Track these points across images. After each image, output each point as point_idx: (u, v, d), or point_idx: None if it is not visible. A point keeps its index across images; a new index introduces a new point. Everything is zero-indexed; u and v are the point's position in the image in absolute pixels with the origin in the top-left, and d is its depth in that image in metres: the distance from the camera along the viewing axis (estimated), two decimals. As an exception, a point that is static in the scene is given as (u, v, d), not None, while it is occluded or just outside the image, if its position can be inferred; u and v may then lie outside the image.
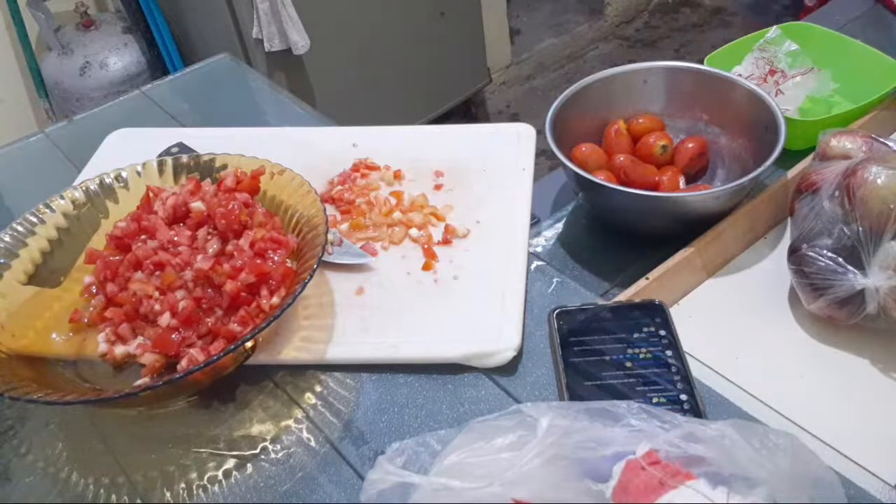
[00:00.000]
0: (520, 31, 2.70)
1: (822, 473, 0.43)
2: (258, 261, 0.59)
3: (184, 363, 0.55)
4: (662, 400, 0.54)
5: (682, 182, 0.79)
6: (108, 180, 0.69)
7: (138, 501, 0.54)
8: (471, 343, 0.60)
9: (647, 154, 0.80)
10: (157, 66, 1.98)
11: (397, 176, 0.77)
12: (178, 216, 0.64)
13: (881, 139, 0.69)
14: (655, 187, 0.78)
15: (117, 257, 0.61)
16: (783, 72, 0.87)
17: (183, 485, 0.54)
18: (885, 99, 0.83)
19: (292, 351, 0.61)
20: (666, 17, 2.81)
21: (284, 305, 0.55)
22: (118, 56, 1.92)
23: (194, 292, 0.58)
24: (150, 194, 0.66)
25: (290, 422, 0.58)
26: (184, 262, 0.59)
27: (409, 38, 2.00)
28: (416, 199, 0.74)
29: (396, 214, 0.72)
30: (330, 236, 0.66)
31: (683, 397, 0.54)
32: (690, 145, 0.81)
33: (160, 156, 0.77)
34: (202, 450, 0.56)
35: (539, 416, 0.45)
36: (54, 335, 0.61)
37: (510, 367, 0.59)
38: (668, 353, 0.57)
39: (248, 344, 0.55)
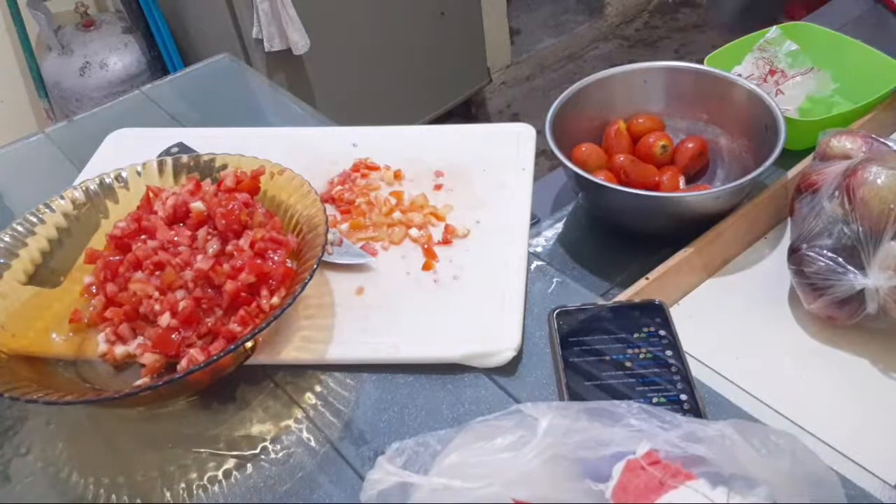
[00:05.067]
0: (520, 31, 2.69)
1: (822, 473, 0.43)
2: (258, 261, 0.59)
3: (184, 363, 0.55)
4: (662, 400, 0.54)
5: (682, 182, 0.79)
6: (108, 180, 0.69)
7: (138, 501, 0.54)
8: (471, 343, 0.60)
9: (647, 154, 0.80)
10: (157, 66, 1.98)
11: (397, 176, 0.77)
12: (178, 216, 0.63)
13: (881, 139, 0.69)
14: (655, 187, 0.78)
15: (117, 257, 0.61)
16: (783, 72, 0.87)
17: (183, 485, 0.54)
18: (885, 99, 0.83)
19: (292, 351, 0.61)
20: (666, 17, 2.81)
21: (284, 305, 0.55)
22: (118, 56, 1.92)
23: (194, 292, 0.58)
24: (150, 194, 0.66)
25: (290, 422, 0.58)
26: (184, 262, 0.59)
27: (409, 38, 2.00)
28: (416, 199, 0.74)
29: (396, 214, 0.72)
30: (330, 236, 0.66)
31: (683, 397, 0.54)
32: (690, 145, 0.81)
33: (160, 156, 0.77)
34: (202, 450, 0.56)
35: (539, 416, 0.45)
36: (54, 335, 0.61)
37: (510, 367, 0.59)
38: (668, 353, 0.57)
39: (248, 344, 0.55)
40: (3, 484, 0.55)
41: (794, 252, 0.66)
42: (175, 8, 1.91)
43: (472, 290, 0.65)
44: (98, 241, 0.67)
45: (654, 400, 0.53)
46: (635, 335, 0.58)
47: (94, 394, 0.55)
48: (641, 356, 0.57)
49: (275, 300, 0.58)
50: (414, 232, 0.70)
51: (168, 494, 0.54)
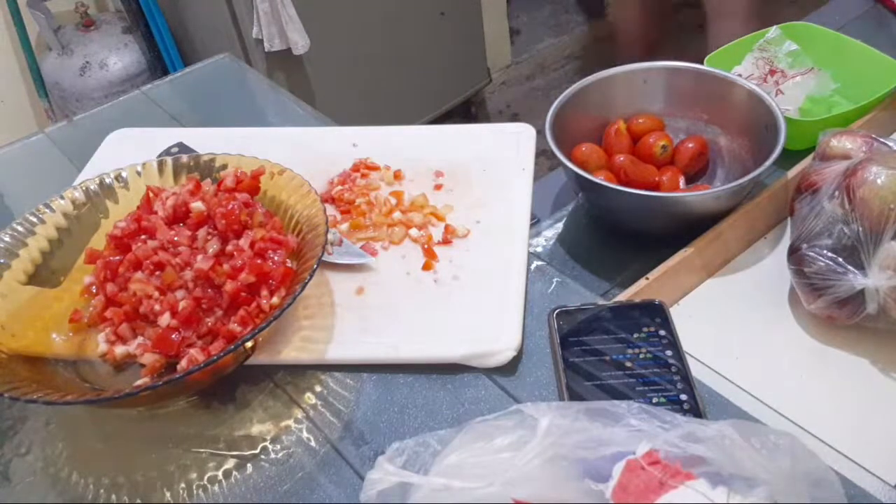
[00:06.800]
0: (520, 31, 2.69)
1: (822, 473, 0.43)
2: (258, 261, 0.59)
3: (184, 363, 0.55)
4: (662, 400, 0.54)
5: (682, 182, 0.79)
6: (108, 180, 0.69)
7: (138, 501, 0.54)
8: (471, 343, 0.60)
9: (647, 154, 0.80)
10: (157, 66, 1.98)
11: (397, 176, 0.77)
12: (178, 216, 0.63)
13: (881, 139, 0.69)
14: (655, 187, 0.78)
15: (117, 257, 0.61)
16: (783, 72, 0.87)
17: (183, 485, 0.54)
18: (885, 99, 0.83)
19: (292, 351, 0.61)
20: (666, 22, 2.81)
21: (284, 305, 0.55)
22: (118, 56, 1.92)
23: (194, 292, 0.58)
24: (150, 194, 0.66)
25: (290, 422, 0.58)
26: (184, 262, 0.59)
27: (409, 38, 2.00)
28: (416, 199, 0.74)
29: (396, 214, 0.72)
30: (330, 236, 0.66)
31: (683, 397, 0.54)
32: (690, 145, 0.81)
33: (160, 156, 0.77)
34: (202, 450, 0.56)
35: (539, 416, 0.45)
36: (54, 335, 0.61)
37: (510, 367, 0.59)
38: (668, 353, 0.57)
39: (248, 344, 0.55)
40: (3, 484, 0.55)
41: (794, 252, 0.66)
42: (175, 8, 1.91)
43: (472, 290, 0.65)
44: (98, 241, 0.67)
45: (654, 400, 0.54)
46: (635, 335, 0.58)
47: (94, 394, 0.55)
48: (641, 356, 0.57)
49: (275, 300, 0.58)
50: (414, 232, 0.70)
51: (168, 494, 0.54)
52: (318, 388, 0.60)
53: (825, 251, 0.63)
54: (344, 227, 0.72)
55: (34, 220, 0.65)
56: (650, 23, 1.93)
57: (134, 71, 1.94)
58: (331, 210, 0.74)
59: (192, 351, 0.56)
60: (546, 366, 0.59)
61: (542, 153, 0.85)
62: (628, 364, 0.56)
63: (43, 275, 0.64)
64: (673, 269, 0.68)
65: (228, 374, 0.59)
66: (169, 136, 0.85)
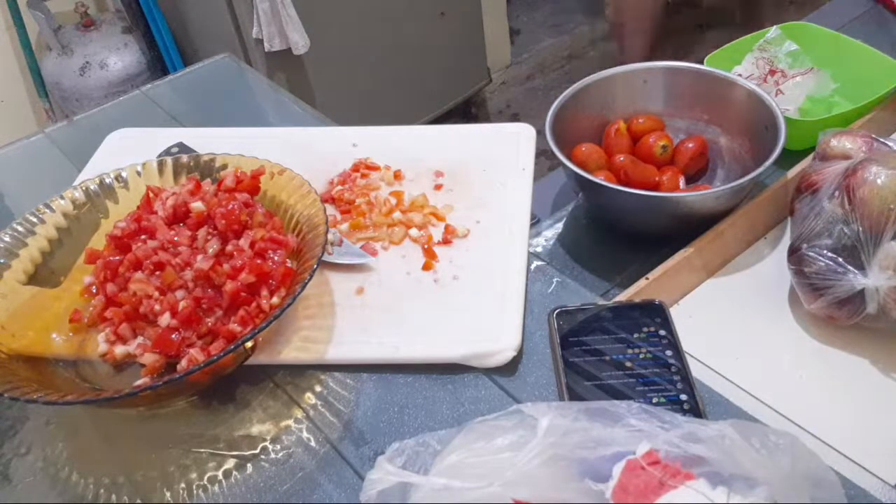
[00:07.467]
0: (520, 31, 2.70)
1: (822, 473, 0.43)
2: (258, 261, 0.59)
3: (184, 363, 0.55)
4: (662, 400, 0.54)
5: (682, 182, 0.79)
6: (108, 180, 0.69)
7: (138, 501, 0.54)
8: (471, 343, 0.60)
9: (647, 154, 0.80)
10: (157, 66, 1.98)
11: (397, 176, 0.77)
12: (178, 216, 0.63)
13: (881, 139, 0.69)
14: (655, 187, 0.78)
15: (117, 257, 0.61)
16: (783, 72, 0.87)
17: (183, 485, 0.54)
18: (885, 99, 0.83)
19: (292, 351, 0.61)
20: (666, 17, 2.81)
21: (284, 305, 0.55)
22: (118, 56, 1.92)
23: (194, 292, 0.58)
24: (150, 194, 0.66)
25: (290, 422, 0.58)
26: (184, 262, 0.59)
27: (409, 38, 2.00)
28: (416, 199, 0.74)
29: (396, 214, 0.72)
30: (330, 236, 0.66)
31: (683, 397, 0.54)
32: (690, 145, 0.81)
33: (160, 156, 0.77)
34: (202, 450, 0.56)
35: (539, 416, 0.45)
36: (54, 335, 0.61)
37: (510, 367, 0.59)
38: (668, 353, 0.57)
39: (248, 344, 0.55)
40: (3, 484, 0.55)
41: (794, 252, 0.66)
42: (175, 8, 1.91)
43: (472, 290, 0.65)
44: (98, 241, 0.67)
45: (654, 400, 0.54)
46: (635, 335, 0.58)
47: (93, 394, 0.55)
48: (641, 356, 0.57)
49: (275, 300, 0.58)
50: (414, 232, 0.70)
51: (168, 494, 0.54)
52: (318, 388, 0.60)
53: (825, 251, 0.63)
54: (344, 227, 0.72)
55: (34, 220, 0.65)
56: (649, 22, 1.93)
57: (134, 71, 1.94)
58: (331, 210, 0.74)
59: (192, 351, 0.56)
60: (546, 366, 0.59)
61: (542, 153, 0.85)
62: (628, 364, 0.56)
63: (43, 275, 0.64)
64: (673, 269, 0.68)
65: (228, 374, 0.59)
66: (169, 136, 0.85)
